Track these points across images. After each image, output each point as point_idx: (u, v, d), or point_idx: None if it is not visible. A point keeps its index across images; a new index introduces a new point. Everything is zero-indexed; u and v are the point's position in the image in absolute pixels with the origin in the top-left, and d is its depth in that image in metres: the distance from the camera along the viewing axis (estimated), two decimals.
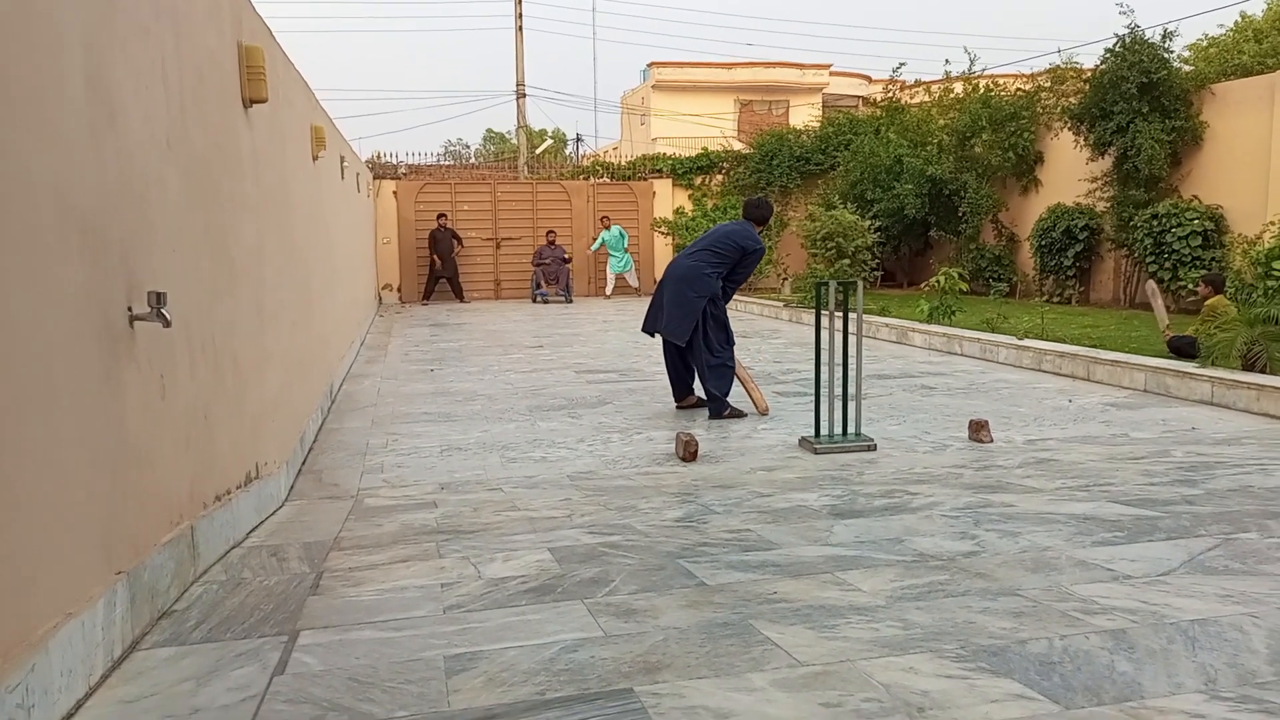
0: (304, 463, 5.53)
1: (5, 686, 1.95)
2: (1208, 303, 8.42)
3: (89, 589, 2.44)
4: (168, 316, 2.86)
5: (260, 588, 3.30)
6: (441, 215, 17.89)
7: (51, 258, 2.34)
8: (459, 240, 18.02)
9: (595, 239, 18.60)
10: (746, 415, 6.68)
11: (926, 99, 18.43)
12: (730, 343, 6.88)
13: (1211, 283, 8.77)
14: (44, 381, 2.27)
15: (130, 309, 2.80)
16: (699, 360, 6.76)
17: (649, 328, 7.08)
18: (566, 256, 18.22)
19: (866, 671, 2.54)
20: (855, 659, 2.62)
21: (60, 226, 2.39)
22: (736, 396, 6.81)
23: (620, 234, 18.48)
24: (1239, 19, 23.35)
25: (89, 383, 2.52)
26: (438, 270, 17.77)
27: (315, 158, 7.36)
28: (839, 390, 5.74)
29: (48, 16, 2.39)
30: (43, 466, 2.24)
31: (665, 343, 7.01)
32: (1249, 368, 7.19)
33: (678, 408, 7.03)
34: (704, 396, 6.81)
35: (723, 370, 6.73)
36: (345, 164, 10.44)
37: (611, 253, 18.46)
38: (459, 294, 18.02)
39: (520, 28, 24.74)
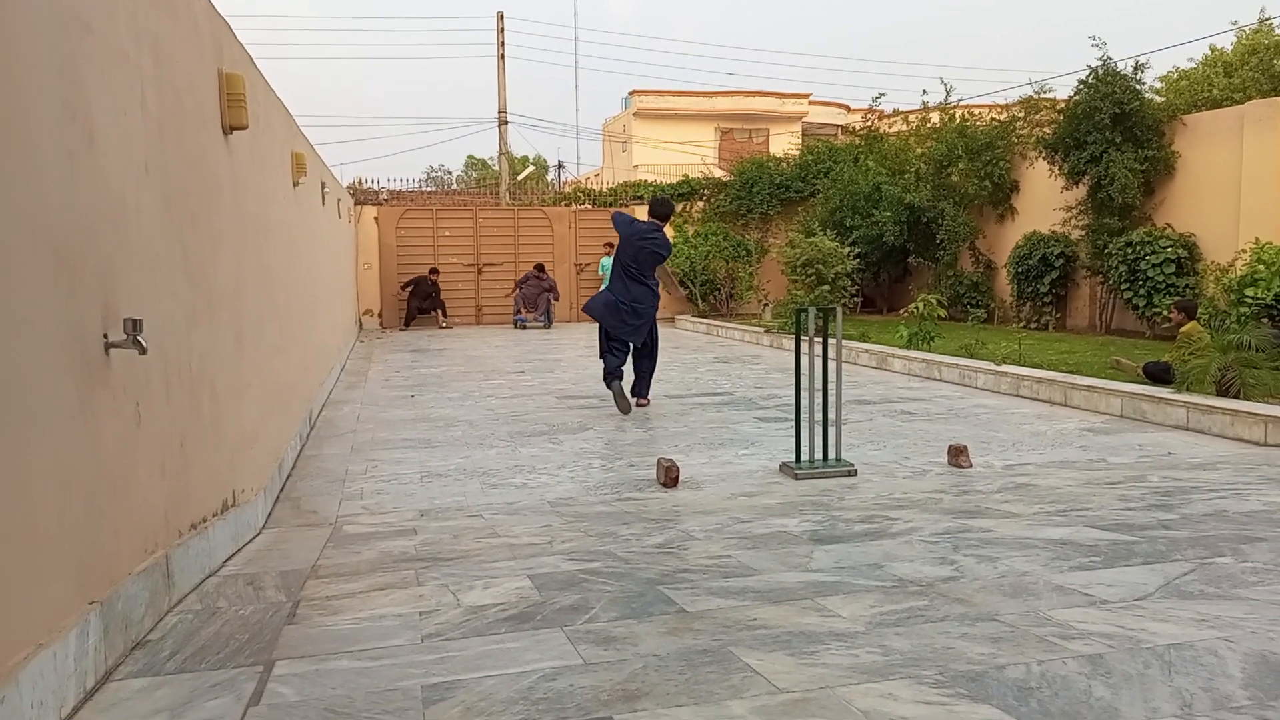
0: (282, 490, 5.48)
1: None
2: (1183, 329, 8.53)
3: (61, 619, 2.41)
4: (143, 343, 2.85)
5: (236, 617, 3.26)
6: (434, 270, 18.20)
7: (25, 283, 2.32)
8: (438, 298, 18.27)
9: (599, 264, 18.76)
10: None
11: (904, 128, 18.65)
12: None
13: (1184, 309, 8.89)
14: (16, 408, 2.25)
15: (106, 335, 2.79)
16: (651, 358, 8.35)
17: (624, 335, 8.14)
18: (549, 287, 18.14)
19: (846, 698, 2.54)
20: (835, 686, 2.62)
21: (35, 252, 2.38)
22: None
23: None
24: (1209, 51, 23.82)
25: (63, 410, 2.50)
26: (415, 303, 18.00)
27: (296, 184, 7.36)
28: (819, 416, 5.76)
29: (22, 42, 2.39)
30: (14, 494, 2.22)
31: (612, 344, 8.19)
32: (1223, 393, 7.28)
33: (608, 384, 8.10)
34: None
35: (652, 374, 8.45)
36: (326, 190, 10.44)
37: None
38: (444, 312, 18.15)
39: (503, 55, 24.90)
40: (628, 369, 8.26)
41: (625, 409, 7.92)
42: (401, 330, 17.87)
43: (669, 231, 19.62)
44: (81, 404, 2.61)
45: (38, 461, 2.34)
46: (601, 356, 8.26)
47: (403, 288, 18.12)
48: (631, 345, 8.27)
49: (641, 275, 8.17)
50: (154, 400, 3.20)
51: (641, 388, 8.37)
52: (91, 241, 2.73)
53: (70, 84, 2.64)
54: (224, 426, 4.20)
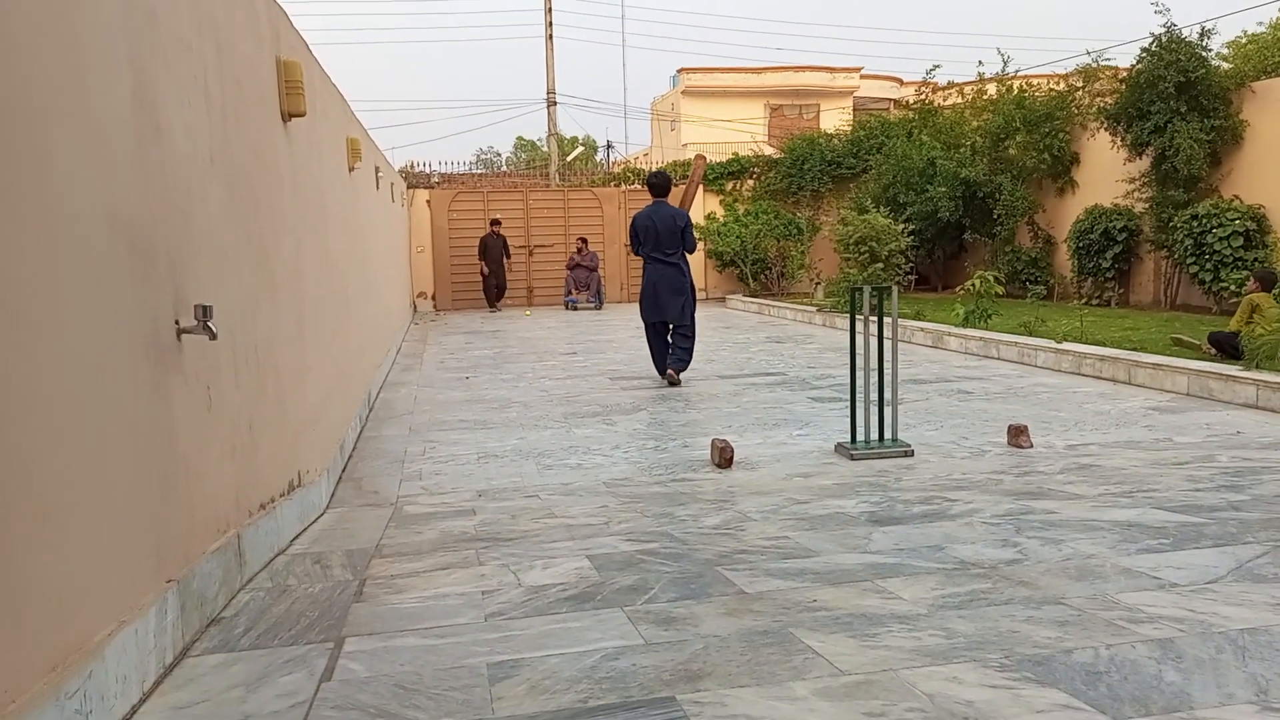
0: (344, 470, 5.59)
1: (64, 692, 2.00)
2: (1247, 297, 8.27)
3: (141, 596, 2.49)
4: (214, 329, 2.92)
5: (305, 595, 3.34)
6: (495, 221, 17.89)
7: (102, 271, 2.39)
8: (508, 253, 17.97)
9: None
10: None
11: (959, 101, 18.28)
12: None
13: (1261, 279, 8.59)
14: (97, 393, 2.32)
15: (178, 322, 2.86)
16: (688, 336, 8.51)
17: (656, 317, 8.53)
18: (596, 264, 18.18)
19: (909, 681, 2.52)
20: (898, 668, 2.60)
21: (110, 241, 2.44)
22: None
23: None
24: (1278, 15, 22.93)
25: (139, 395, 2.57)
26: (486, 276, 17.76)
27: (351, 169, 7.46)
28: (874, 396, 5.71)
29: (95, 35, 2.44)
30: (96, 477, 2.29)
31: (650, 334, 8.65)
32: None
33: (667, 380, 8.43)
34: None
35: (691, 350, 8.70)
36: (380, 174, 10.56)
37: None
38: (499, 298, 17.95)
39: (550, 36, 24.88)
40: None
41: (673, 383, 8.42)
42: (493, 311, 17.65)
43: (717, 207, 19.58)
44: (156, 388, 2.68)
45: (117, 444, 2.42)
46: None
47: (481, 257, 17.72)
48: (671, 326, 8.54)
49: (666, 257, 8.49)
50: (223, 384, 3.28)
51: (675, 362, 8.54)
52: (161, 230, 2.80)
53: (137, 73, 2.70)
54: (289, 409, 4.29)
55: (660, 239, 8.47)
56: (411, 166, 20.23)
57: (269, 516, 3.74)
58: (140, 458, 2.55)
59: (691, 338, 8.62)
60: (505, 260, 17.93)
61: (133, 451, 2.51)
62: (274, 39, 4.60)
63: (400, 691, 2.52)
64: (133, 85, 2.66)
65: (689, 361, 8.63)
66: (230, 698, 2.51)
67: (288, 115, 4.69)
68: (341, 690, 2.54)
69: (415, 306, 18.22)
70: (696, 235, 19.49)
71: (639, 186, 20.02)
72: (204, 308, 2.91)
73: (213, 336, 2.93)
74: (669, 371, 8.46)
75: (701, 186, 19.60)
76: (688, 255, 8.65)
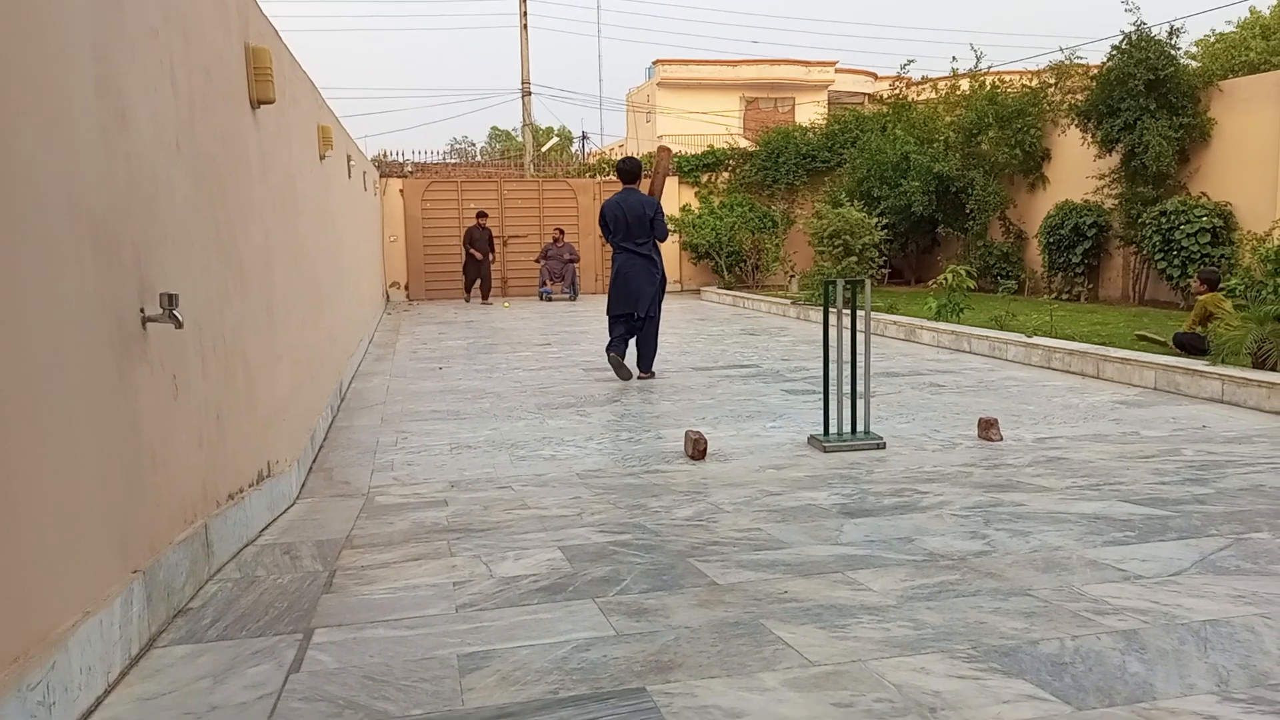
0: (314, 460, 5.55)
1: (26, 684, 1.97)
2: (1200, 299, 8.40)
3: (106, 587, 2.46)
4: (180, 318, 2.88)
5: (274, 586, 3.31)
6: (481, 214, 17.60)
7: (65, 260, 2.35)
8: (492, 246, 17.64)
9: None
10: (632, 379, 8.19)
11: (933, 96, 18.38)
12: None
13: (1206, 280, 8.74)
14: (60, 383, 2.28)
15: (143, 310, 2.82)
16: (654, 327, 8.37)
17: (626, 309, 8.26)
18: (572, 256, 18.16)
19: (878, 671, 2.54)
20: (867, 659, 2.62)
21: (73, 229, 2.40)
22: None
23: None
24: (1247, 14, 23.24)
25: (103, 384, 2.53)
26: (476, 263, 17.39)
27: (322, 157, 7.38)
28: (847, 388, 5.74)
29: (57, 21, 2.40)
30: (60, 467, 2.26)
31: (617, 319, 8.36)
32: (1260, 365, 7.18)
33: (609, 355, 8.26)
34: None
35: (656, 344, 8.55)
36: (352, 163, 10.47)
37: None
38: (485, 294, 17.63)
39: (525, 25, 24.75)
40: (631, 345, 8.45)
41: (626, 376, 8.21)
42: (484, 303, 17.38)
43: (692, 199, 19.59)
44: (121, 378, 2.64)
45: (80, 434, 2.38)
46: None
47: (465, 246, 17.38)
48: (636, 316, 8.30)
49: (637, 247, 8.26)
50: (190, 373, 3.24)
51: (645, 361, 8.41)
52: (126, 218, 2.76)
53: (102, 61, 2.65)
54: (258, 398, 4.24)
55: (630, 228, 8.25)
56: (384, 155, 20.07)
57: (238, 507, 3.70)
58: (104, 447, 2.52)
59: (656, 335, 8.47)
60: (490, 253, 17.66)
61: (96, 441, 2.47)
62: (243, 25, 4.54)
63: (369, 683, 2.51)
64: (97, 73, 2.61)
65: (653, 351, 8.50)
66: (197, 689, 2.48)
67: (256, 102, 4.64)
68: (310, 681, 2.52)
69: (388, 296, 18.10)
70: (671, 227, 19.57)
71: (613, 178, 20.00)
72: (170, 296, 2.87)
73: (179, 325, 2.89)
74: (639, 373, 8.36)
75: (674, 177, 19.62)
76: (660, 245, 8.47)
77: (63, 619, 2.21)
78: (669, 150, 9.67)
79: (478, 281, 17.66)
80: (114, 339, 2.61)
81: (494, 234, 18.26)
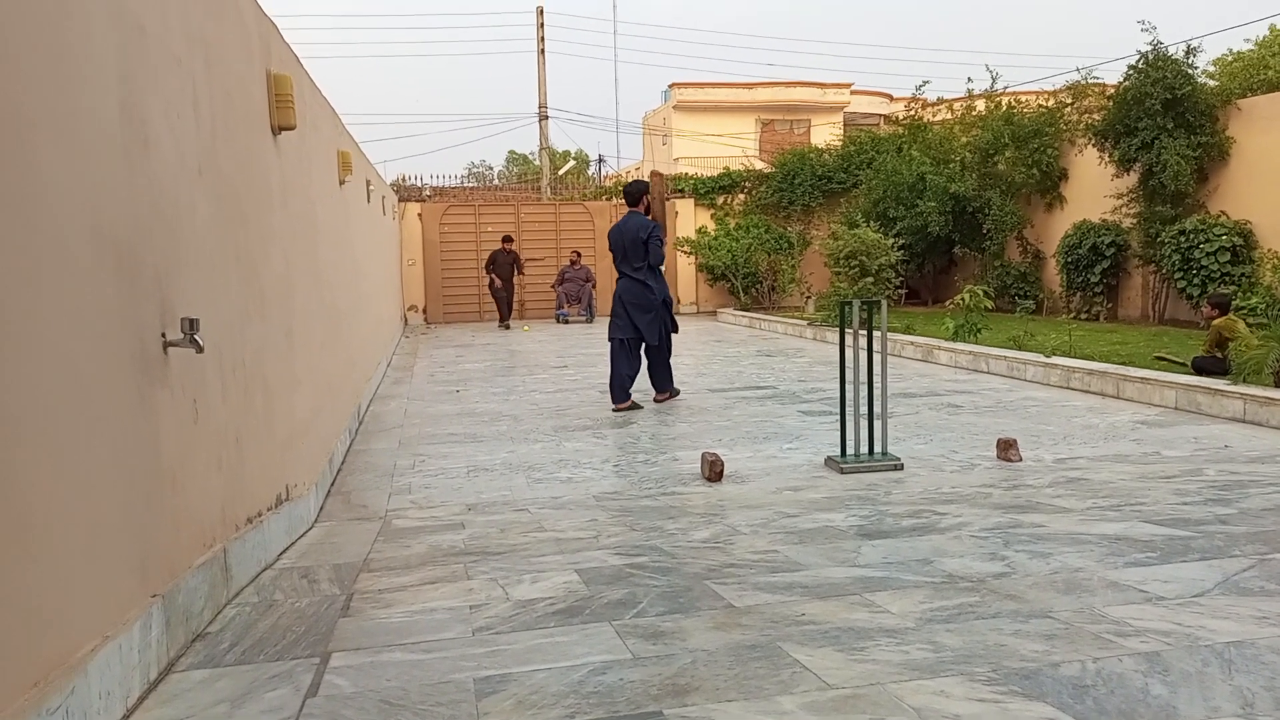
0: (333, 484, 5.57)
1: (46, 709, 1.98)
2: (1215, 324, 8.32)
3: (126, 611, 2.47)
4: (200, 342, 2.91)
5: (292, 610, 3.32)
6: (507, 238, 17.38)
7: (89, 284, 2.39)
8: (520, 268, 17.29)
9: None
10: (643, 408, 7.84)
11: (949, 117, 18.41)
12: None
13: (1217, 304, 8.65)
14: (81, 406, 2.31)
15: (164, 334, 2.85)
16: (661, 357, 8.02)
17: (621, 334, 7.96)
18: (588, 278, 18.21)
19: (897, 695, 2.52)
20: (885, 682, 2.60)
21: (97, 253, 2.44)
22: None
23: None
24: (1267, 32, 23.16)
25: (124, 407, 2.56)
26: (497, 289, 17.14)
27: (342, 182, 7.46)
28: (864, 409, 5.72)
29: (83, 47, 2.45)
30: (80, 490, 2.28)
31: (616, 351, 7.98)
32: None
33: (615, 410, 7.82)
34: (636, 403, 7.93)
35: (669, 367, 8.20)
36: (371, 187, 10.57)
37: None
38: (504, 317, 17.31)
39: (543, 50, 24.99)
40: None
41: (638, 407, 7.89)
42: (504, 329, 16.92)
43: (708, 221, 19.63)
44: (142, 401, 2.67)
45: (101, 457, 2.41)
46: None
47: (488, 270, 17.14)
48: (640, 342, 8.01)
49: (632, 271, 7.94)
50: (210, 397, 3.27)
51: (658, 385, 8.19)
52: (149, 242, 2.80)
53: (126, 87, 2.70)
54: (277, 422, 4.27)
55: (627, 251, 7.94)
56: (403, 180, 20.26)
57: (256, 530, 3.72)
58: (125, 470, 2.54)
59: (666, 359, 8.12)
60: (517, 275, 17.37)
61: (117, 464, 2.50)
62: (264, 52, 4.61)
63: (386, 707, 2.51)
64: (121, 98, 2.66)
65: (670, 381, 8.18)
66: (215, 714, 2.49)
67: (277, 128, 4.70)
68: (327, 706, 2.52)
69: (406, 319, 18.21)
70: (688, 249, 19.60)
71: None
72: (191, 320, 2.90)
73: (199, 349, 2.92)
74: (656, 396, 8.14)
75: (688, 200, 19.68)
76: (660, 269, 8.05)
77: (82, 643, 2.22)
78: (660, 175, 9.56)
79: (506, 305, 17.27)
80: (135, 362, 2.64)
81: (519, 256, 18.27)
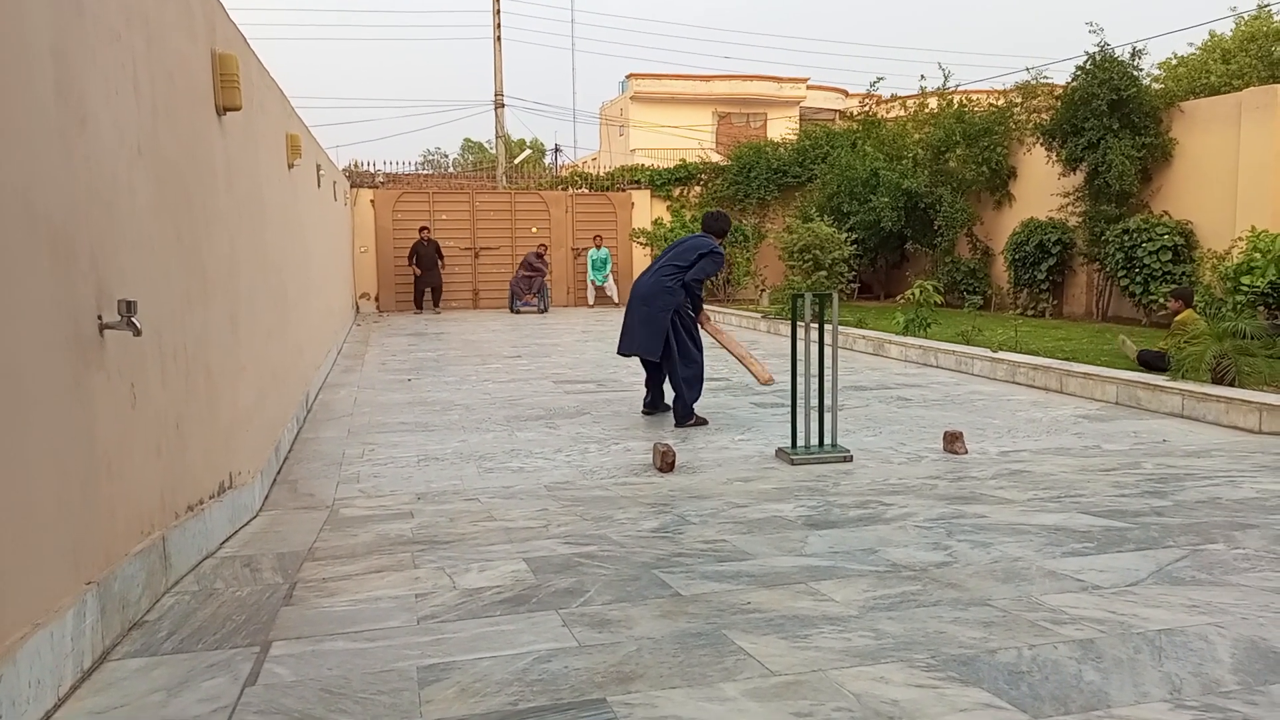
0: (279, 472, 5.49)
1: None
2: (1178, 318, 8.54)
3: (58, 599, 2.41)
4: (138, 325, 2.85)
5: (233, 598, 3.27)
6: (424, 228, 17.89)
7: (20, 266, 2.32)
8: (440, 256, 17.97)
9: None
10: (709, 422, 6.84)
11: (902, 113, 18.60)
12: (700, 351, 7.04)
13: (1181, 297, 8.90)
14: (12, 391, 2.24)
15: (100, 317, 2.78)
16: (674, 371, 6.88)
17: (625, 350, 7.12)
18: (540, 267, 18.10)
19: (838, 681, 2.55)
20: (827, 669, 2.63)
21: (29, 234, 2.37)
22: (729, 382, 6.82)
23: (606, 257, 18.95)
24: (1208, 38, 23.71)
25: (58, 392, 2.50)
26: (420, 278, 17.81)
27: (291, 166, 7.33)
28: (815, 402, 5.77)
29: (15, 22, 2.37)
30: (11, 476, 2.22)
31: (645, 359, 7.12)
32: (1218, 381, 7.30)
33: (645, 413, 7.23)
34: (701, 418, 6.91)
35: (694, 380, 6.91)
36: (321, 172, 10.40)
37: (592, 269, 18.93)
38: (436, 302, 18.04)
39: (499, 38, 24.78)
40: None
41: (703, 422, 6.87)
42: (416, 312, 17.86)
43: (664, 213, 19.67)
44: (76, 385, 2.61)
45: (33, 443, 2.34)
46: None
47: (410, 262, 17.83)
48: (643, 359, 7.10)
49: (663, 275, 6.92)
50: (149, 382, 3.20)
51: (674, 408, 6.93)
52: (85, 223, 2.72)
53: (62, 65, 2.63)
54: (220, 409, 4.20)
55: (673, 256, 7.04)
56: (356, 165, 19.95)
57: (197, 518, 3.65)
58: (58, 456, 2.48)
59: (678, 380, 6.82)
60: (439, 264, 17.95)
61: (50, 450, 2.43)
62: (209, 31, 4.51)
63: (326, 695, 2.48)
64: (56, 76, 2.58)
65: (682, 412, 6.82)
66: (150, 702, 2.44)
67: (223, 109, 4.60)
68: (266, 695, 2.49)
69: (358, 307, 17.97)
70: (643, 241, 19.63)
71: (586, 191, 20.05)
72: (128, 303, 2.84)
73: (137, 332, 2.86)
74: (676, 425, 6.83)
75: (645, 191, 19.68)
76: (697, 291, 7.03)
77: (11, 631, 2.16)
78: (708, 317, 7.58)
79: (427, 291, 17.93)
80: (70, 346, 2.58)
81: (464, 245, 18.30)
